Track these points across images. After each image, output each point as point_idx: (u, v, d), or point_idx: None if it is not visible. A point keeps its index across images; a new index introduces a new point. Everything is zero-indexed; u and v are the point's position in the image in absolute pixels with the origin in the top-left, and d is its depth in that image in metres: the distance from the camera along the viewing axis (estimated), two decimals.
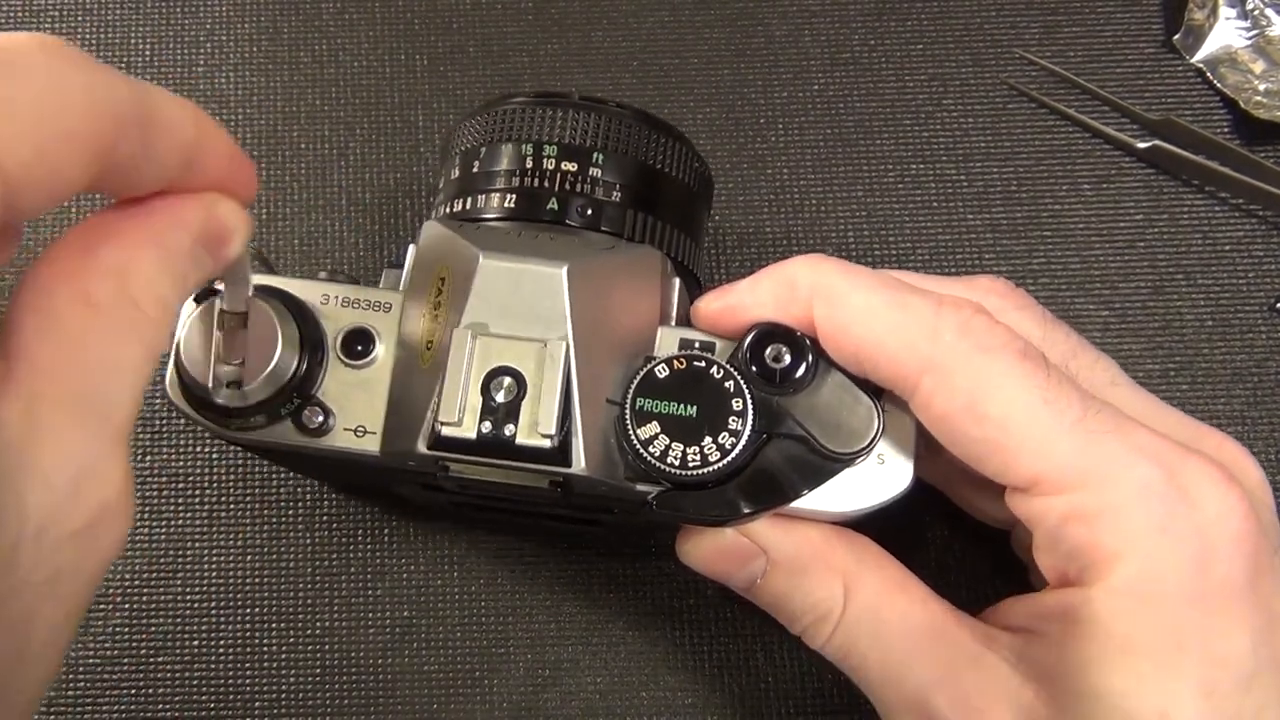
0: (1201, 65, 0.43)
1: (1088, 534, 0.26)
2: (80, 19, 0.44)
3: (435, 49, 0.43)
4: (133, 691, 0.37)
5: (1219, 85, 0.43)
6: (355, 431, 0.29)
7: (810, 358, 0.29)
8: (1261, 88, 0.42)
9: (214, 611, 0.38)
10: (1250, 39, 0.43)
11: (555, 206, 0.31)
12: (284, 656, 0.37)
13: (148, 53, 0.43)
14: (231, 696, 0.37)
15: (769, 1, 0.44)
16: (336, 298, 0.30)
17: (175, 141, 0.22)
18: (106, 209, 0.22)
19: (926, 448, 0.29)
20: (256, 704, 0.37)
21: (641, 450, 0.28)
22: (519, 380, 0.28)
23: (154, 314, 0.21)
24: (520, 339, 0.28)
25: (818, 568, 0.29)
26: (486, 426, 0.28)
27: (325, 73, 0.43)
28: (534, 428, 0.27)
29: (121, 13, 0.44)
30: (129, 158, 0.21)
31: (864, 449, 0.28)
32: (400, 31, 0.44)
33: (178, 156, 0.22)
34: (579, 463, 0.28)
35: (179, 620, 0.38)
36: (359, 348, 0.30)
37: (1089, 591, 0.26)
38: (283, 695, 0.37)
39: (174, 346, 0.29)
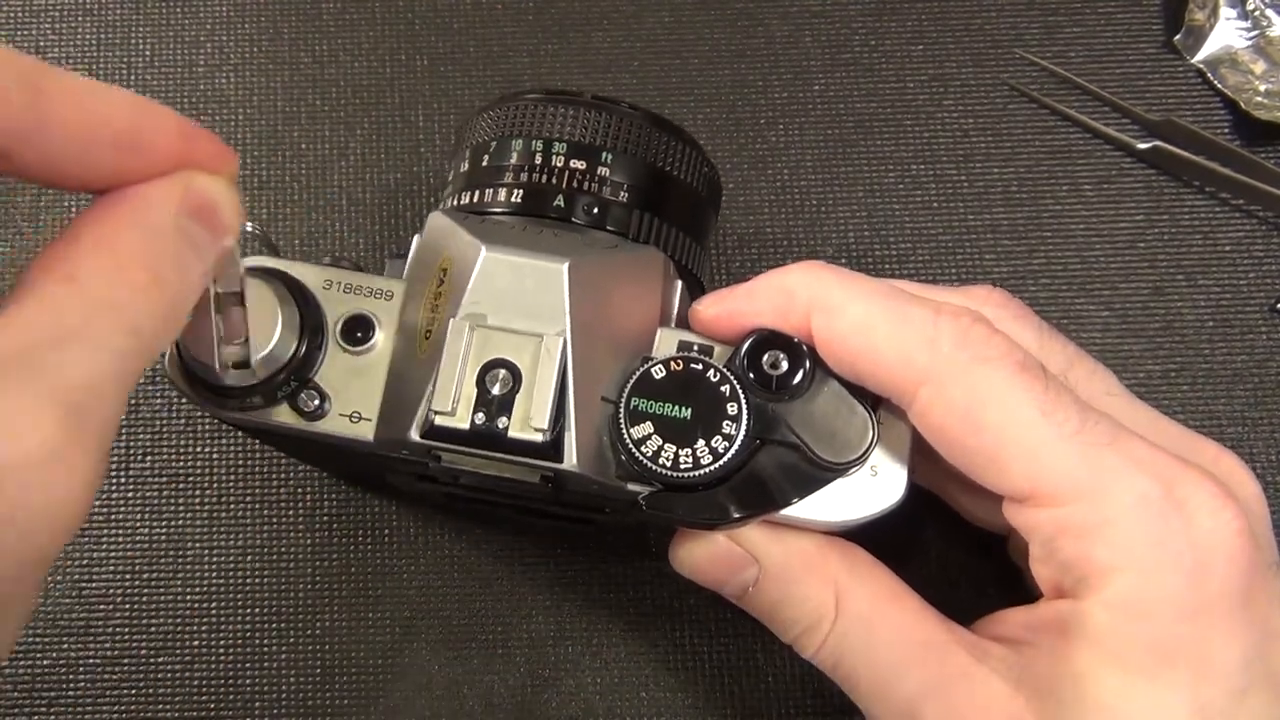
0: (1202, 66, 0.43)
1: (1082, 547, 0.26)
2: (80, 19, 0.44)
3: (435, 49, 0.43)
4: (133, 692, 0.37)
5: (1219, 86, 0.43)
6: (351, 417, 0.29)
7: (807, 365, 0.28)
8: (1262, 88, 0.42)
9: (214, 611, 0.38)
10: (1250, 39, 0.43)
11: (561, 203, 0.31)
12: (284, 656, 0.37)
13: (148, 53, 0.43)
14: (231, 696, 0.37)
15: (769, 1, 0.44)
16: (339, 284, 0.30)
17: (91, 120, 0.21)
18: (84, 210, 0.22)
19: (923, 453, 0.29)
20: (256, 704, 0.37)
21: (634, 450, 0.28)
22: (514, 373, 0.28)
23: (143, 286, 0.21)
24: (518, 332, 0.28)
25: (809, 577, 0.29)
26: (480, 418, 0.28)
27: (325, 73, 0.43)
28: (527, 421, 0.27)
29: (121, 13, 0.44)
30: (16, 125, 0.20)
31: (856, 460, 0.28)
32: (400, 31, 0.44)
33: (108, 134, 0.22)
34: (570, 458, 0.28)
35: (179, 620, 0.38)
36: (359, 334, 0.30)
37: (1082, 604, 0.26)
38: (283, 695, 0.37)
39: None
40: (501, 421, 0.28)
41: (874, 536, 0.30)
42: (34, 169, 0.21)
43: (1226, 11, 0.44)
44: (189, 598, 0.38)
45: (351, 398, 0.29)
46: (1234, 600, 0.25)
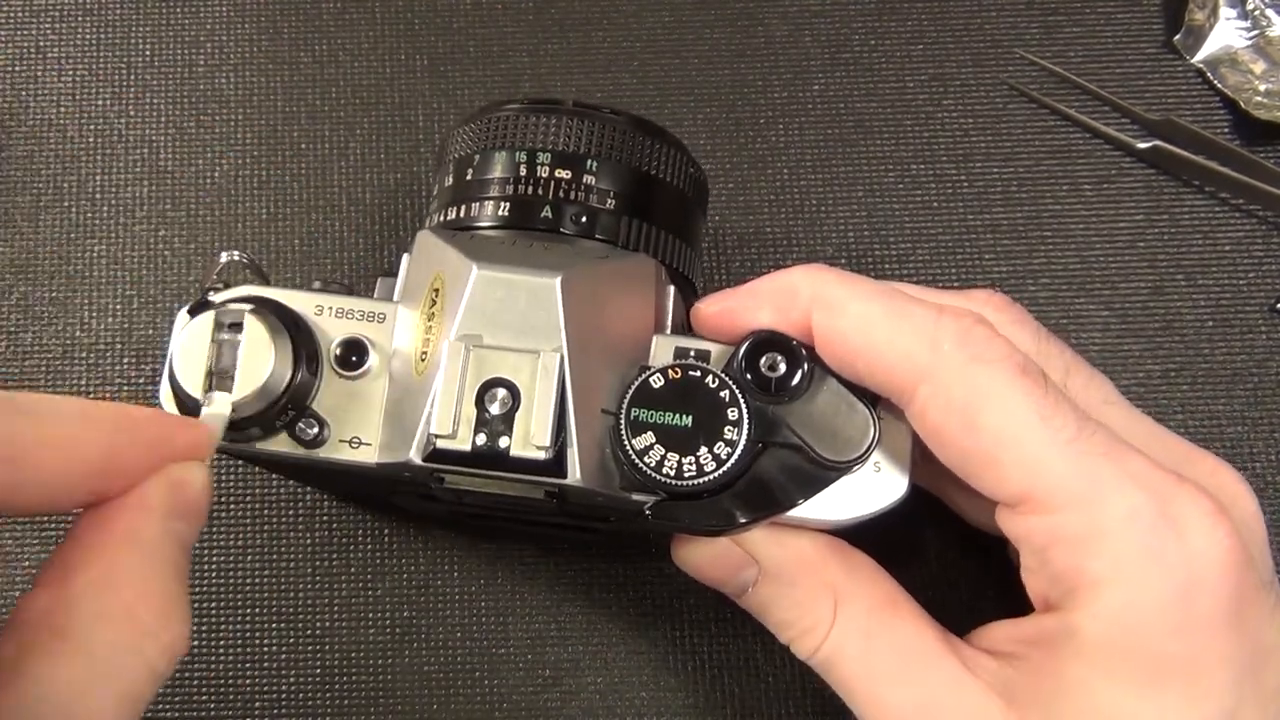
0: (1202, 65, 0.43)
1: (1074, 558, 0.26)
2: (80, 19, 0.44)
3: (435, 49, 0.43)
4: None
5: (1219, 85, 0.43)
6: (350, 443, 0.29)
7: (805, 366, 0.28)
8: (1262, 88, 0.42)
9: (214, 611, 0.38)
10: (1250, 39, 0.43)
11: (549, 215, 0.31)
12: (284, 657, 0.37)
13: (148, 53, 0.43)
14: (231, 696, 0.37)
15: (769, 1, 0.44)
16: (330, 308, 0.30)
17: (66, 463, 0.21)
18: (69, 535, 0.22)
19: (922, 454, 0.29)
20: (256, 704, 0.37)
21: (637, 461, 0.28)
22: (513, 392, 0.28)
23: (151, 618, 0.21)
24: (514, 350, 0.28)
25: (808, 581, 0.29)
26: (481, 438, 0.27)
27: (325, 73, 0.43)
28: (528, 439, 0.27)
29: (121, 13, 0.44)
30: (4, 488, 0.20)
31: (860, 457, 0.28)
32: (400, 31, 0.44)
33: (83, 469, 0.22)
34: (574, 474, 0.28)
35: None
36: (353, 359, 0.29)
37: (1072, 617, 0.26)
38: (283, 695, 0.37)
39: (168, 359, 0.29)
40: (503, 441, 0.27)
41: (874, 537, 0.30)
42: (11, 511, 0.21)
43: (1226, 11, 0.44)
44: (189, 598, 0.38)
45: (350, 423, 0.29)
46: (1224, 619, 0.25)
